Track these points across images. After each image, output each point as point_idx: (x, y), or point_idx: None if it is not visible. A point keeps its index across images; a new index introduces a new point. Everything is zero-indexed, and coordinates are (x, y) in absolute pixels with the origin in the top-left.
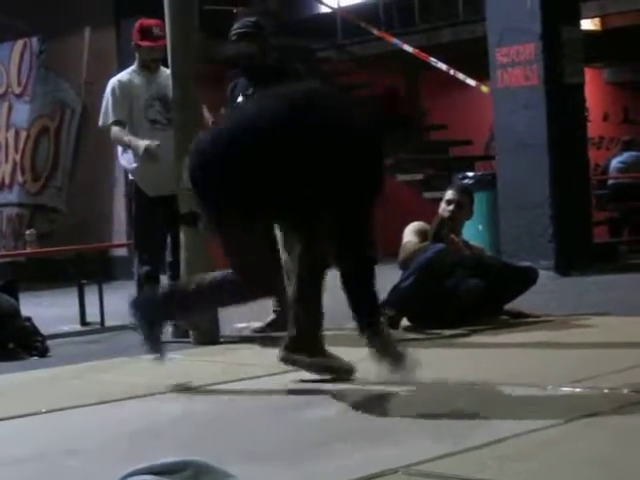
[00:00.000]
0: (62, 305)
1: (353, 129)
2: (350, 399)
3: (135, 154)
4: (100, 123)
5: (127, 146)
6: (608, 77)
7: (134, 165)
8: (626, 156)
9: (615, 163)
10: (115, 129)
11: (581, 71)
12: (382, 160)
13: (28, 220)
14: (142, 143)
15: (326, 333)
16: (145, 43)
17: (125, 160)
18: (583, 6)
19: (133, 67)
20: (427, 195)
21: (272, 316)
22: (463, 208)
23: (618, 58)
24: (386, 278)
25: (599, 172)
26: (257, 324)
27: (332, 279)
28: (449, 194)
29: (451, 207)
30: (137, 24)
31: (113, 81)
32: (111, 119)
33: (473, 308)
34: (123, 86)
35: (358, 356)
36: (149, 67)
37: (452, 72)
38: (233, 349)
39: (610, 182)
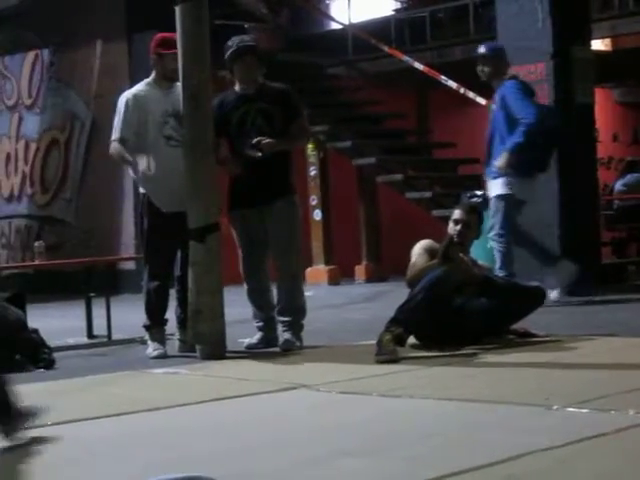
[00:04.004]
0: (69, 317)
1: None
2: (355, 413)
3: (133, 171)
4: (112, 138)
5: (126, 163)
6: (618, 97)
7: (148, 178)
8: (628, 178)
9: (618, 186)
10: (115, 145)
11: (591, 91)
12: None
13: (36, 232)
14: (140, 167)
15: (328, 349)
16: (169, 51)
17: (138, 174)
18: (594, 26)
19: (148, 80)
20: (436, 213)
21: (259, 333)
22: (470, 228)
23: (628, 79)
24: (394, 295)
25: (607, 192)
26: (253, 340)
27: (332, 298)
28: (456, 214)
29: (459, 227)
30: (157, 37)
31: (126, 95)
32: (116, 135)
33: (480, 327)
34: (138, 101)
35: (364, 371)
36: (171, 77)
37: (462, 90)
38: (239, 364)
39: (616, 203)
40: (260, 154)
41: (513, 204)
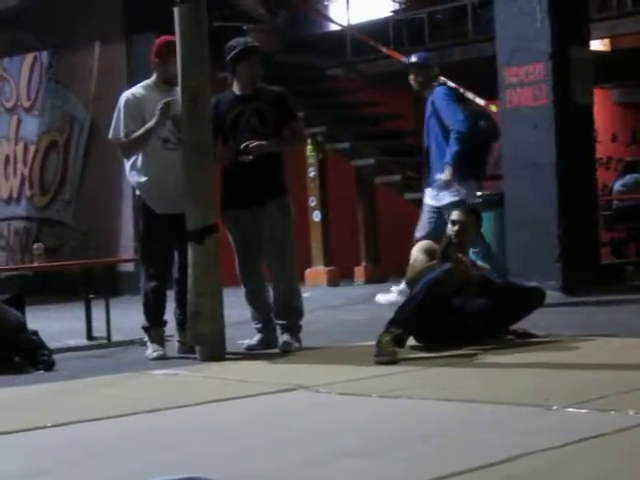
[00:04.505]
0: (69, 319)
1: None
2: (354, 415)
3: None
4: (110, 135)
5: (146, 136)
6: (617, 98)
7: (142, 180)
8: (627, 178)
9: (617, 187)
10: (123, 142)
11: (590, 91)
12: None
13: (35, 234)
14: (158, 108)
15: (327, 350)
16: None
17: (133, 176)
18: (592, 27)
19: (148, 82)
20: None
21: (258, 335)
22: (468, 229)
23: (627, 79)
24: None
25: (606, 193)
26: (252, 341)
27: (332, 299)
28: (454, 215)
29: (456, 227)
30: (162, 40)
31: (127, 95)
32: (122, 133)
33: (479, 328)
34: (137, 101)
35: (364, 372)
36: (173, 82)
37: (461, 91)
38: (238, 365)
39: (615, 204)
40: (250, 157)
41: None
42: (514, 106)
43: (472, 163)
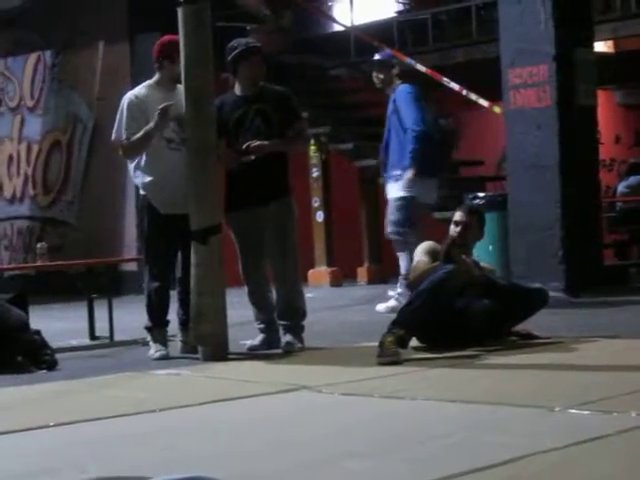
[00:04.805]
0: (71, 319)
1: None
2: (357, 415)
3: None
4: (113, 137)
5: (146, 138)
6: (620, 99)
7: (147, 180)
8: (631, 180)
9: (621, 188)
10: (125, 144)
11: (594, 93)
12: None
13: (38, 233)
14: (155, 114)
15: (330, 351)
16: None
17: (138, 176)
18: (596, 28)
19: (150, 82)
20: (437, 215)
21: (261, 335)
22: (470, 229)
23: (631, 80)
24: None
25: (610, 194)
26: (255, 342)
27: (334, 299)
28: (457, 215)
29: (458, 228)
30: (164, 40)
31: (129, 96)
32: (124, 136)
33: (482, 329)
34: (140, 102)
35: (366, 373)
36: (178, 80)
37: (465, 92)
38: (241, 365)
39: (618, 205)
40: (252, 157)
41: (415, 206)
42: (518, 107)
43: (429, 161)
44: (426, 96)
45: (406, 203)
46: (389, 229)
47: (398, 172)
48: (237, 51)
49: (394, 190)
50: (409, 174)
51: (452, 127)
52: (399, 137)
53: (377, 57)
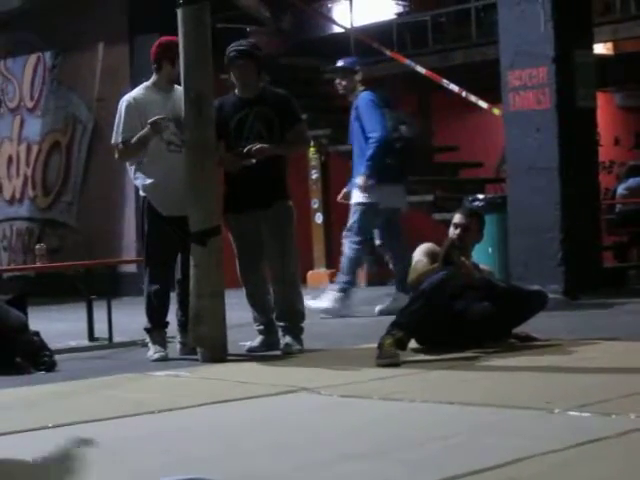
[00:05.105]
0: (70, 320)
1: None
2: (356, 417)
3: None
4: (112, 141)
5: (139, 144)
6: (620, 102)
7: (147, 182)
8: (630, 182)
9: (620, 190)
10: (120, 147)
11: (593, 95)
12: None
13: (38, 235)
14: (147, 127)
15: (329, 352)
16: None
17: (138, 178)
18: (596, 30)
19: (147, 84)
20: (437, 217)
21: (260, 337)
22: (470, 231)
23: (630, 83)
24: None
25: (609, 197)
26: (254, 343)
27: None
28: (456, 217)
29: (458, 231)
30: (162, 41)
31: (127, 98)
32: (120, 139)
33: (481, 331)
34: (138, 104)
35: (365, 375)
36: (177, 82)
37: (464, 94)
38: (240, 367)
39: (618, 208)
40: (254, 161)
41: (376, 212)
42: (517, 109)
43: (390, 168)
44: (389, 102)
45: (364, 209)
46: (344, 232)
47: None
48: (226, 55)
49: (355, 196)
50: (361, 181)
51: (414, 133)
52: (360, 144)
53: (340, 63)
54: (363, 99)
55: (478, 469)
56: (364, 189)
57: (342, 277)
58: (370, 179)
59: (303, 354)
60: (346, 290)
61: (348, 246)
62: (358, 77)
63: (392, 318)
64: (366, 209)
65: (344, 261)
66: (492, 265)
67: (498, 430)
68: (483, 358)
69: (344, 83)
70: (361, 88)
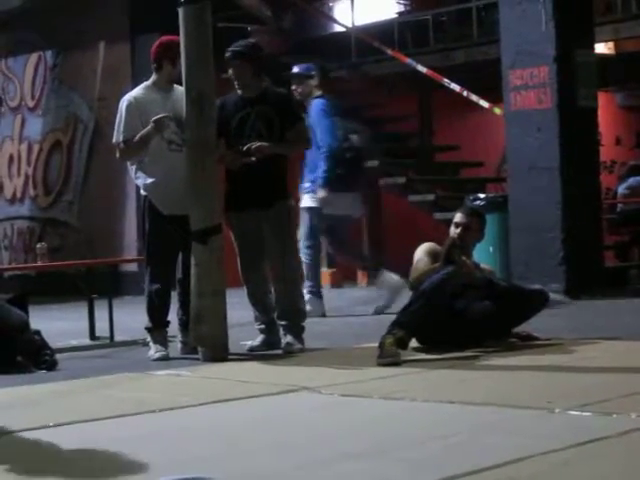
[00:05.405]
0: (71, 319)
1: None
2: (357, 416)
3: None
4: (114, 140)
5: (141, 143)
6: (621, 101)
7: (149, 182)
8: (631, 181)
9: (622, 190)
10: (121, 147)
11: (594, 95)
12: None
13: (39, 234)
14: (150, 125)
15: (330, 352)
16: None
17: (139, 178)
18: (597, 30)
19: (148, 84)
20: (438, 216)
21: (261, 336)
22: (470, 231)
23: (631, 82)
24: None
25: (610, 196)
26: (255, 342)
27: (334, 301)
28: (457, 217)
29: (459, 230)
30: (163, 40)
31: (128, 98)
32: (121, 138)
33: (482, 330)
34: (138, 104)
35: (366, 374)
36: (178, 81)
37: (465, 93)
38: (241, 366)
39: (619, 207)
40: (253, 159)
41: (322, 217)
42: (518, 109)
43: (342, 176)
44: (341, 111)
45: (314, 213)
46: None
47: (307, 185)
48: (225, 55)
49: (303, 201)
50: (320, 194)
51: (363, 142)
52: (311, 151)
53: (295, 70)
54: (314, 107)
55: (479, 468)
56: (323, 201)
57: (307, 283)
58: (327, 190)
59: (304, 353)
60: (314, 292)
61: (303, 253)
62: (314, 82)
63: (393, 317)
64: (313, 216)
65: (304, 269)
66: (493, 264)
67: (499, 429)
68: (484, 357)
69: (299, 90)
70: (318, 93)
